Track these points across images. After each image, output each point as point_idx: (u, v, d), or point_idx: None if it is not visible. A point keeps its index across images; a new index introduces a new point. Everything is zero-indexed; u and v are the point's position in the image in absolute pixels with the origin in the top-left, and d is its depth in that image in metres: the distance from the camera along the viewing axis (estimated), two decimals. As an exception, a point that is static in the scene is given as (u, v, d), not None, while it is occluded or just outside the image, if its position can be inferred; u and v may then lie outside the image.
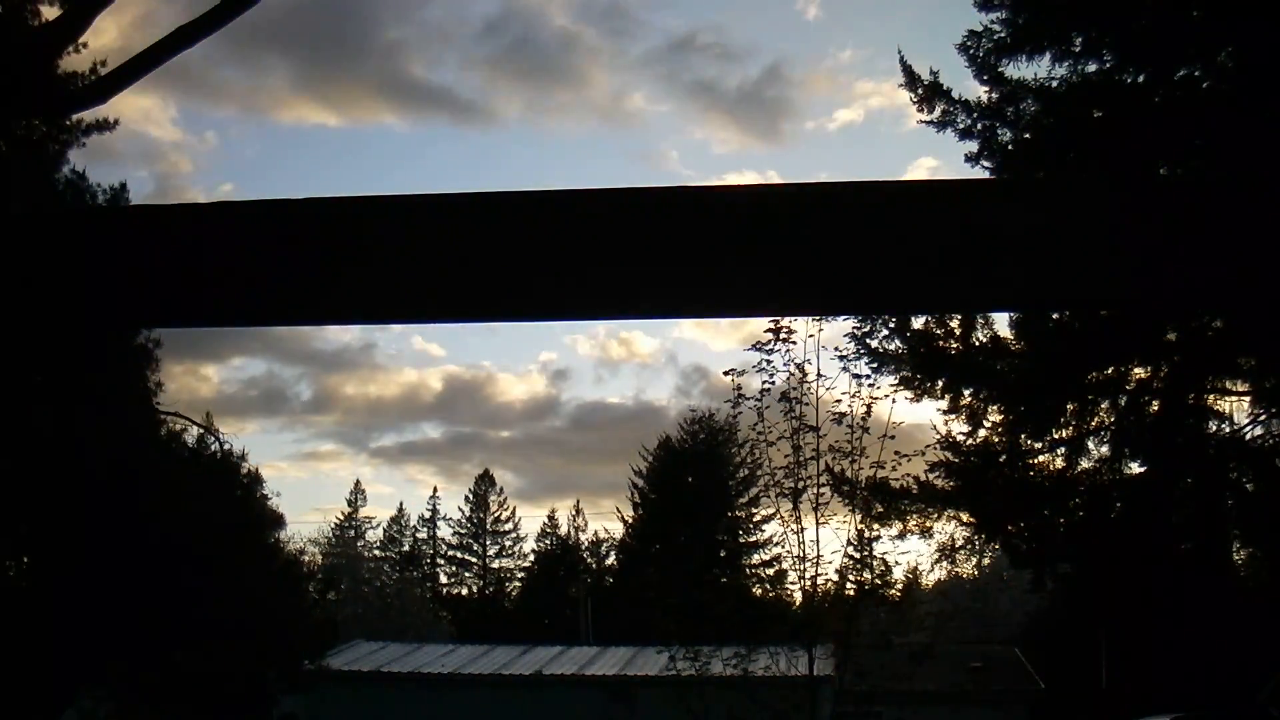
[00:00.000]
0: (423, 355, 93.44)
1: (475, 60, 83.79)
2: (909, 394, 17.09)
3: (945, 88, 16.51)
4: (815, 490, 14.37)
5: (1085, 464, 18.10)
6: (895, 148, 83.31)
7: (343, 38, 77.24)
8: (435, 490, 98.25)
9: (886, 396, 14.82)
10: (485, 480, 65.76)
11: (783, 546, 15.10)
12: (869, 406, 14.42)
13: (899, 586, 16.41)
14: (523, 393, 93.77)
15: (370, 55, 79.43)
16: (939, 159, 70.07)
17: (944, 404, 17.72)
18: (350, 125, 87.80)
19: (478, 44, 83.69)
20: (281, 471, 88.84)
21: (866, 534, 14.61)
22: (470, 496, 65.62)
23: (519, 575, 63.05)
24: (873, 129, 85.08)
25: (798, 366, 14.43)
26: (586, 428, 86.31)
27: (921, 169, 68.36)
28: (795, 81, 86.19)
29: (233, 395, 79.73)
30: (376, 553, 71.83)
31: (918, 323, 17.23)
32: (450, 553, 66.74)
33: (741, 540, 50.22)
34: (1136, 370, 17.39)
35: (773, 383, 14.45)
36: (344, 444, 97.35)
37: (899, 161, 77.24)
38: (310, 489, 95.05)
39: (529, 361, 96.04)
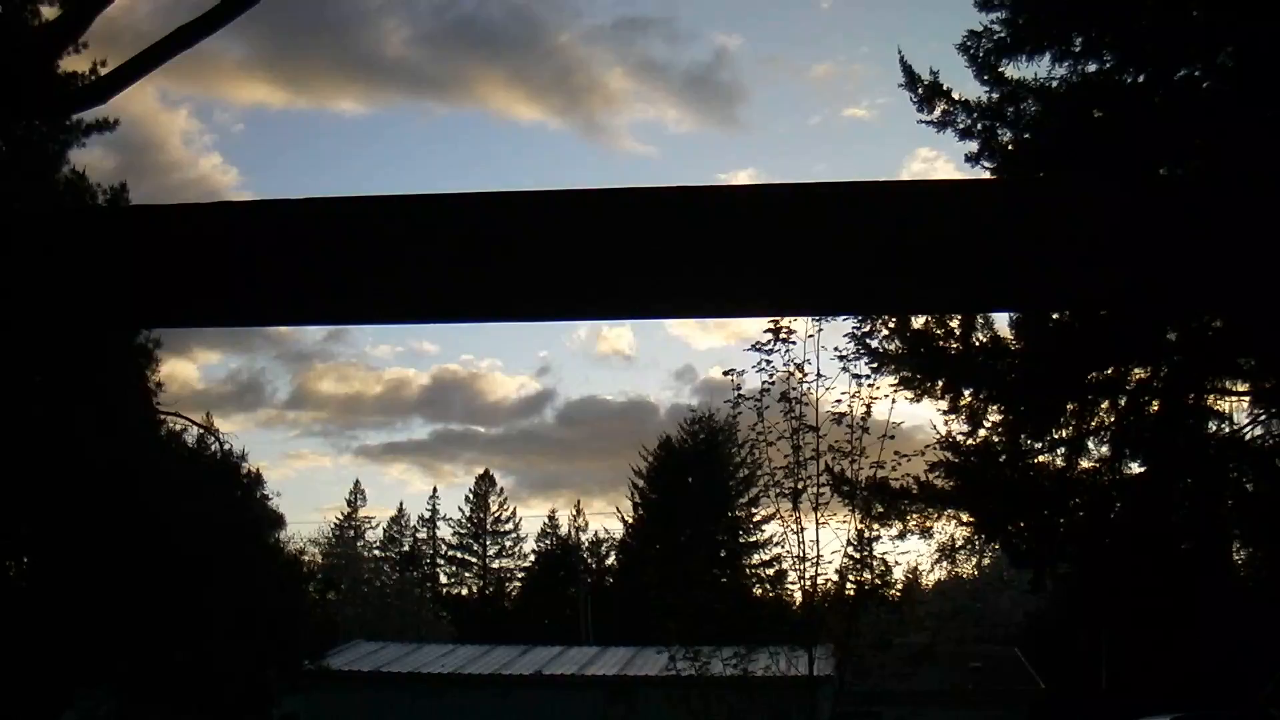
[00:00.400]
0: (411, 352, 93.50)
1: (427, 35, 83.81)
2: (909, 394, 17.07)
3: (945, 88, 16.51)
4: (815, 490, 14.36)
5: (1085, 464, 18.07)
6: (893, 142, 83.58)
7: (296, 13, 76.81)
8: (435, 490, 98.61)
9: (886, 396, 14.81)
10: (485, 480, 65.82)
11: (783, 546, 15.06)
12: (869, 406, 14.41)
13: (899, 586, 16.39)
14: (512, 389, 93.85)
15: (322, 30, 79.11)
16: (936, 149, 70.38)
17: (944, 404, 17.70)
18: (309, 105, 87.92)
19: (430, 18, 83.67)
20: (264, 470, 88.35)
21: (866, 534, 14.58)
22: (470, 496, 65.71)
23: (519, 575, 63.08)
24: (869, 125, 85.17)
25: (797, 366, 14.42)
26: (576, 424, 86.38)
27: (918, 160, 68.50)
28: (795, 75, 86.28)
29: (206, 391, 79.34)
30: (376, 553, 71.85)
31: (918, 323, 17.20)
32: (450, 553, 66.76)
33: (741, 540, 50.20)
34: (1136, 370, 17.36)
35: (772, 383, 14.44)
36: (327, 442, 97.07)
37: (896, 157, 77.37)
38: (294, 487, 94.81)
39: (518, 358, 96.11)
